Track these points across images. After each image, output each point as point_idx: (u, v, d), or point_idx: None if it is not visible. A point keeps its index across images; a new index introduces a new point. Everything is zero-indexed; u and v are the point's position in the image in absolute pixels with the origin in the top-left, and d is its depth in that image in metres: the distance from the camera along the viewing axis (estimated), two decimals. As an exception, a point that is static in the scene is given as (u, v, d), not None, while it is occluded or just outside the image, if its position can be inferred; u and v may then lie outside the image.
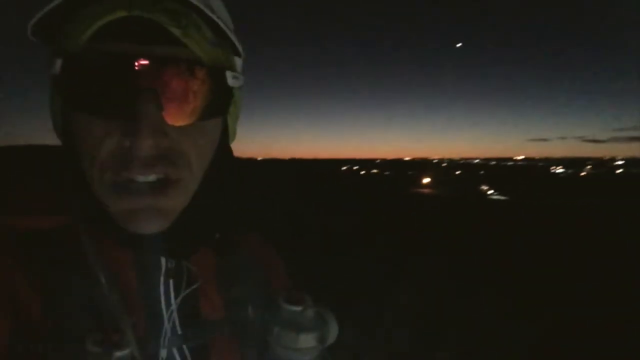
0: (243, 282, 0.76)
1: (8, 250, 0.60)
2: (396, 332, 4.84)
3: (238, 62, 0.69)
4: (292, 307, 0.69)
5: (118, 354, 0.56)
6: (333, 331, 0.70)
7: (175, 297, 0.67)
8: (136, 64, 0.55)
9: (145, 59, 0.56)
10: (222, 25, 0.60)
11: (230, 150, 0.75)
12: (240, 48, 0.65)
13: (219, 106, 0.64)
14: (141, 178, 0.58)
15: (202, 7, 0.58)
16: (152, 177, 0.59)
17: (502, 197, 31.17)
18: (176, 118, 0.58)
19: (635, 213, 18.44)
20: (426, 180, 48.85)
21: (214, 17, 0.59)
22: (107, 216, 0.62)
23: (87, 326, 0.59)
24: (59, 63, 0.58)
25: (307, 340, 0.68)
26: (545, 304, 6.37)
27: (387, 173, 75.45)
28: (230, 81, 0.64)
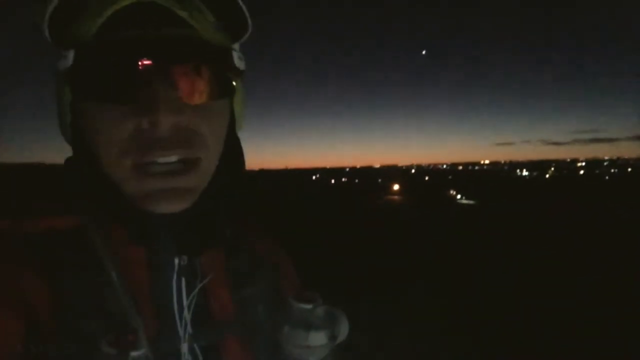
0: (253, 280, 0.76)
1: (20, 251, 0.60)
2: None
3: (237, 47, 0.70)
4: (303, 305, 0.69)
5: (134, 354, 0.56)
6: (344, 329, 0.70)
7: (187, 296, 0.68)
8: (149, 47, 0.57)
9: (157, 42, 0.58)
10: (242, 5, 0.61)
11: (238, 139, 0.76)
12: (240, 32, 0.66)
13: (228, 85, 0.67)
14: (162, 159, 0.59)
15: None
16: (173, 158, 0.60)
17: (470, 202, 31.58)
18: (191, 97, 0.60)
19: (601, 212, 18.89)
20: (395, 187, 49.19)
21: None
22: (119, 215, 0.65)
23: (101, 326, 0.59)
24: (71, 55, 0.59)
25: (318, 338, 0.68)
26: (508, 304, 6.39)
27: (356, 181, 75.69)
28: (237, 61, 0.66)
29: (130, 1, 0.56)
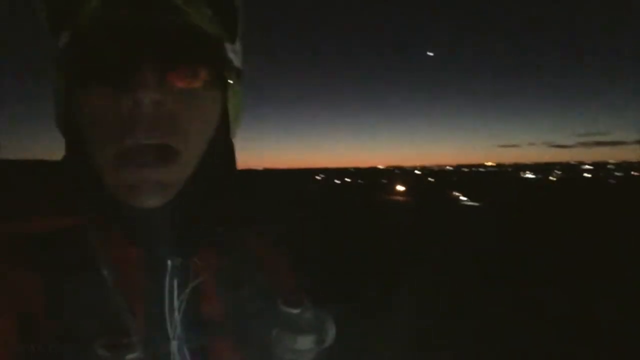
0: (244, 282, 0.75)
1: (14, 252, 0.60)
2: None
3: (238, 43, 0.69)
4: (290, 309, 0.70)
5: (129, 357, 0.56)
6: (331, 333, 0.71)
7: (178, 297, 0.67)
8: (138, 31, 0.57)
9: (147, 26, 0.57)
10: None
11: (230, 143, 0.75)
12: (238, 31, 0.66)
13: (216, 77, 0.65)
14: (144, 140, 0.58)
15: None
16: (155, 140, 0.59)
17: (474, 203, 31.45)
18: (176, 79, 0.60)
19: (608, 215, 18.77)
20: (400, 188, 49.08)
21: None
22: (110, 213, 0.64)
23: (95, 328, 0.59)
24: (62, 39, 0.60)
25: (305, 342, 0.69)
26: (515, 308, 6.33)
27: (360, 181, 75.59)
28: (230, 54, 0.66)
29: None
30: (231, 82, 0.68)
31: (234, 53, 0.66)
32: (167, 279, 0.66)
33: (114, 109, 0.58)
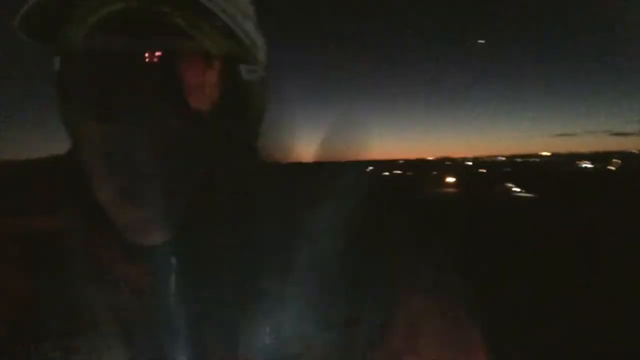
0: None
1: (8, 250, 0.58)
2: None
3: (260, 50, 0.64)
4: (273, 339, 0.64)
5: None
6: None
7: (184, 300, 0.63)
8: (136, 59, 0.52)
9: (145, 53, 0.52)
10: (227, 19, 0.54)
11: (252, 149, 0.70)
12: (258, 37, 0.61)
13: (232, 103, 0.59)
14: (145, 183, 0.54)
15: None
16: (155, 180, 0.54)
17: (528, 195, 30.70)
18: (182, 115, 0.55)
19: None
20: (450, 180, 48.34)
21: (222, 7, 0.53)
22: (110, 224, 0.59)
23: (87, 333, 0.57)
24: (57, 62, 0.56)
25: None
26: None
27: (409, 173, 74.78)
28: (245, 75, 0.60)
29: (118, 7, 0.51)
30: (249, 99, 0.63)
31: (252, 72, 0.62)
32: (174, 279, 0.63)
33: (110, 143, 0.54)
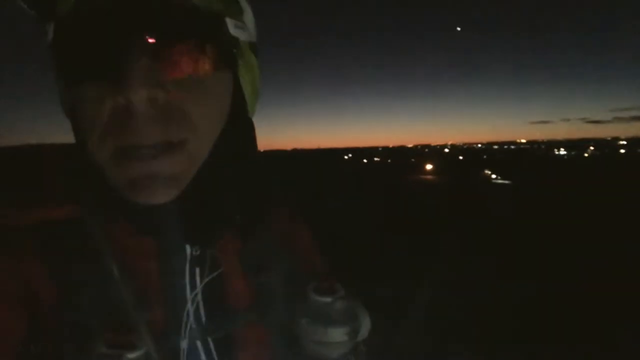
0: (270, 267, 0.71)
1: (21, 243, 0.57)
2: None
3: (246, 14, 0.64)
4: (322, 298, 0.65)
5: (130, 355, 0.53)
6: (365, 326, 0.66)
7: (201, 285, 0.64)
8: (125, 17, 0.52)
9: (134, 10, 0.52)
10: None
11: (248, 121, 0.69)
12: (240, 4, 0.61)
13: (220, 58, 0.59)
14: (142, 141, 0.54)
15: None
16: (152, 141, 0.54)
17: (506, 182, 31.08)
18: (172, 69, 0.54)
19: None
20: (429, 166, 48.73)
21: None
22: (122, 207, 0.59)
23: (104, 322, 0.56)
24: (51, 28, 0.56)
25: (337, 334, 0.63)
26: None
27: (389, 160, 75.19)
28: (233, 30, 0.60)
29: None
30: (241, 60, 0.64)
31: (239, 28, 0.61)
32: (188, 267, 0.63)
33: (107, 104, 0.53)
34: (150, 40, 0.52)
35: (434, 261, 7.12)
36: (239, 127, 0.66)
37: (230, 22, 0.60)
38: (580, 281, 6.71)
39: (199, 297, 0.63)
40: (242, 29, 0.62)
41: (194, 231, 0.63)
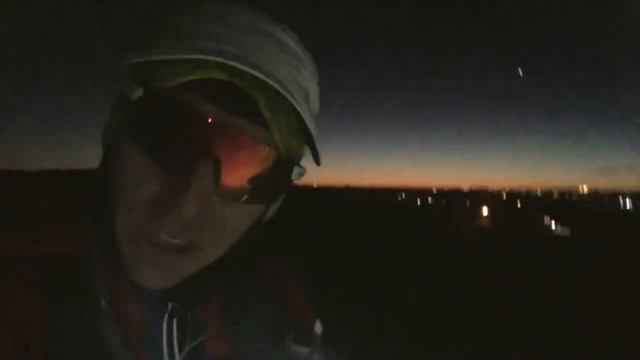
0: (251, 316, 0.74)
1: (16, 274, 0.58)
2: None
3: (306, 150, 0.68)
4: (300, 348, 0.68)
5: None
6: None
7: (178, 336, 0.65)
8: (211, 127, 0.55)
9: (223, 125, 0.56)
10: (309, 125, 0.58)
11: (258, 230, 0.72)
12: (314, 139, 0.64)
13: (274, 195, 0.64)
14: (167, 238, 0.57)
15: (301, 99, 0.57)
16: (177, 240, 0.58)
17: (566, 233, 29.82)
18: (228, 194, 0.58)
19: None
20: (484, 212, 47.52)
21: (307, 112, 0.58)
22: (114, 251, 0.62)
23: (91, 358, 0.59)
24: (139, 92, 0.57)
25: None
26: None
27: (443, 202, 73.90)
28: (294, 176, 0.64)
29: (220, 77, 0.54)
30: (282, 195, 0.67)
31: (299, 174, 0.65)
32: (166, 318, 0.66)
33: (154, 189, 0.56)
34: (222, 159, 0.55)
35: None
36: (250, 238, 0.69)
37: (296, 169, 0.64)
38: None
39: (176, 350, 0.65)
40: (301, 174, 0.65)
41: (175, 293, 0.65)
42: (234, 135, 0.56)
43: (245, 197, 0.60)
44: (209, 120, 0.55)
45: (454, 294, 8.48)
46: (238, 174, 0.58)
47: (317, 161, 0.64)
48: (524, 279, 10.67)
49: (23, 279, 0.59)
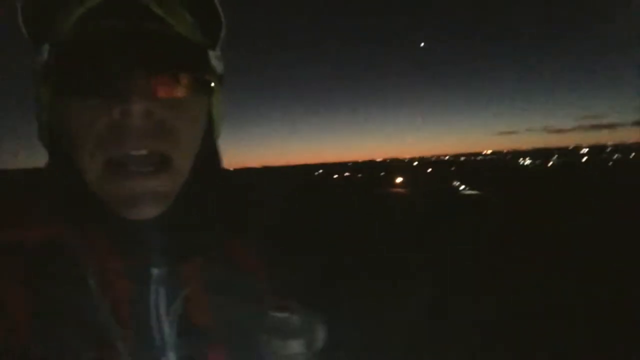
0: (230, 288, 0.75)
1: (5, 261, 0.59)
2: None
3: (218, 52, 0.70)
4: (279, 314, 0.70)
5: None
6: (320, 336, 0.71)
7: (167, 306, 0.67)
8: (123, 40, 0.57)
9: (132, 35, 0.57)
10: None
11: (216, 146, 0.75)
12: (220, 38, 0.67)
13: (205, 85, 0.66)
14: (134, 152, 0.58)
15: None
16: (144, 151, 0.59)
17: (474, 192, 31.60)
18: (164, 90, 0.60)
19: (600, 198, 18.88)
20: (399, 180, 49.29)
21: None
22: (96, 223, 0.63)
23: (81, 340, 0.59)
24: (46, 49, 0.59)
25: (295, 346, 0.69)
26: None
27: (359, 175, 75.68)
28: (214, 61, 0.66)
29: None
30: (215, 88, 0.70)
31: (217, 60, 0.67)
32: (152, 288, 0.66)
33: (102, 119, 0.57)
34: (145, 63, 0.57)
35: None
36: (210, 151, 0.73)
37: (212, 54, 0.66)
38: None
39: (164, 316, 0.66)
40: (218, 60, 0.68)
41: (162, 252, 0.66)
42: (143, 39, 0.58)
43: (179, 90, 0.62)
44: (117, 36, 0.57)
45: (384, 253, 8.75)
46: (164, 71, 0.60)
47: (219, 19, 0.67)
48: (439, 239, 11.17)
49: (6, 265, 0.59)
